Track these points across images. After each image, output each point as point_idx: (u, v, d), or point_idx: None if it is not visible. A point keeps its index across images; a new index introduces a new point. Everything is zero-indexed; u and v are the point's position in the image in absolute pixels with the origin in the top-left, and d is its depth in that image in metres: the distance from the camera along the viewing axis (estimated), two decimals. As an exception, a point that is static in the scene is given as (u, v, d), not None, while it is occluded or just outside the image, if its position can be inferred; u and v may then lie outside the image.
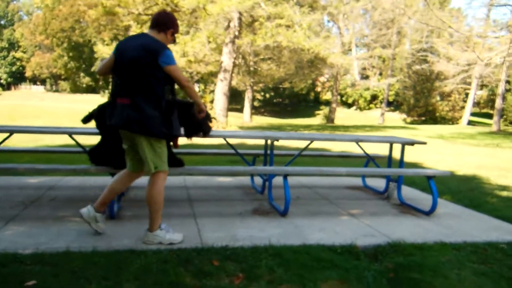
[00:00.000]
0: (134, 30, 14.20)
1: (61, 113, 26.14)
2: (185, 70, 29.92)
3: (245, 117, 30.72)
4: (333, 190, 5.67)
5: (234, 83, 27.74)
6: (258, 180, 5.72)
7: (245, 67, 21.45)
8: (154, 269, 2.83)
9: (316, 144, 10.45)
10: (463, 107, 36.15)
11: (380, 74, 43.96)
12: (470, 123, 34.54)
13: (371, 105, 47.33)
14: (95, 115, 3.71)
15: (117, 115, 3.10)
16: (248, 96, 30.51)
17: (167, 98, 3.19)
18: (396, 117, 42.89)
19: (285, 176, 4.21)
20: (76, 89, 53.55)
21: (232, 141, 10.21)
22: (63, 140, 9.41)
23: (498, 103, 25.56)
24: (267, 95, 44.24)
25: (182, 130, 3.61)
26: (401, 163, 5.05)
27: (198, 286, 2.64)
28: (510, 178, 7.34)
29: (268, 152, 4.79)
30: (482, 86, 41.43)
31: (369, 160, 5.69)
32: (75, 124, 20.04)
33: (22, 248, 3.04)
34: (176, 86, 3.31)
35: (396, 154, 5.26)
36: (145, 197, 3.29)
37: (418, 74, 35.90)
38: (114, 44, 16.52)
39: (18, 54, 60.26)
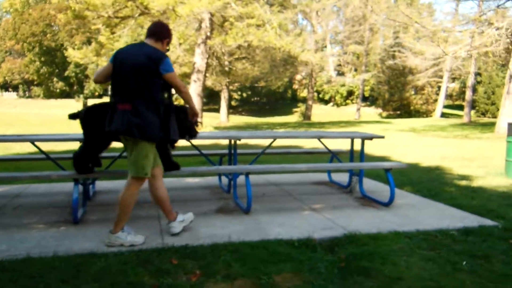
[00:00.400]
0: (103, 34, 14.11)
1: (34, 120, 25.76)
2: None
3: (222, 117, 30.76)
4: (299, 186, 5.82)
5: (209, 83, 27.77)
6: (226, 180, 5.82)
7: (219, 67, 21.48)
8: (113, 270, 2.90)
9: (291, 142, 10.63)
10: (436, 100, 36.95)
11: (355, 70, 44.54)
12: (443, 115, 35.33)
13: (348, 101, 47.95)
14: (82, 115, 3.74)
15: (117, 121, 3.21)
16: (224, 96, 30.55)
17: (165, 103, 3.35)
18: (372, 112, 43.56)
19: (247, 175, 4.33)
20: (50, 94, 52.59)
21: (207, 142, 10.31)
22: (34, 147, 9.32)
23: (468, 95, 26.26)
24: (244, 94, 44.36)
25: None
26: (361, 157, 5.22)
27: (156, 285, 2.72)
28: (471, 167, 7.63)
29: (232, 151, 4.89)
30: (454, 79, 42.45)
31: (333, 155, 5.85)
32: (50, 130, 19.74)
33: (-18, 256, 3.07)
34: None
35: (366, 149, 5.41)
36: (118, 198, 3.40)
37: (391, 69, 36.51)
38: (85, 48, 16.38)
39: (-12, 61, 58.83)
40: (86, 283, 2.71)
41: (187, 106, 3.64)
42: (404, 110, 39.60)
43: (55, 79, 50.62)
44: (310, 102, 33.85)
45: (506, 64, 16.29)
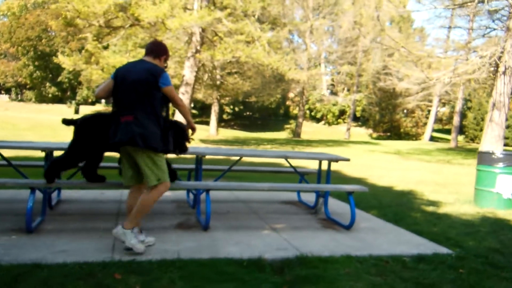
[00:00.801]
0: (91, 43, 14.18)
1: (22, 124, 25.60)
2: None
3: (211, 130, 30.78)
4: (266, 204, 5.83)
5: (200, 96, 27.87)
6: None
7: (210, 80, 21.59)
8: (52, 282, 2.88)
9: (273, 160, 10.64)
10: (426, 124, 37.32)
11: (348, 90, 44.96)
12: (432, 139, 35.66)
13: (340, 120, 48.25)
14: (79, 124, 3.79)
15: (121, 132, 3.37)
16: (214, 109, 30.63)
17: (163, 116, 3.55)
18: (362, 132, 43.88)
19: (207, 191, 4.33)
20: (42, 99, 52.40)
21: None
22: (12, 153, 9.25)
23: (456, 120, 26.57)
24: (236, 109, 44.45)
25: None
26: (327, 179, 5.25)
27: (92, 299, 2.71)
28: (443, 193, 7.69)
29: (198, 167, 4.90)
30: (444, 104, 42.97)
31: (303, 175, 5.88)
32: (37, 135, 19.62)
33: None
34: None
35: (344, 170, 5.44)
36: (141, 198, 3.54)
37: (383, 91, 36.91)
38: (75, 55, 16.42)
39: (-18, 62, 58.67)
40: (21, 295, 2.69)
41: (178, 122, 3.79)
42: (394, 132, 39.97)
43: (47, 84, 50.55)
44: (300, 120, 34.03)
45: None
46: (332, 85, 48.08)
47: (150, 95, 3.40)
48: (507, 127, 28.49)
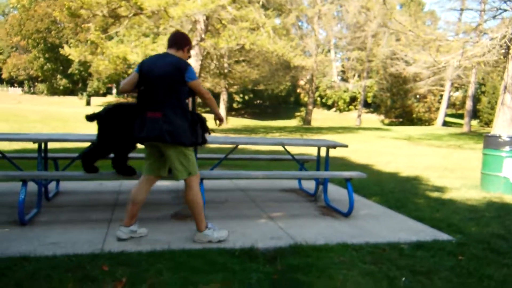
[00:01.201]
0: (93, 33, 14.13)
1: (33, 116, 25.84)
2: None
3: (221, 119, 30.70)
4: (266, 193, 5.76)
5: (208, 85, 27.77)
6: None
7: (217, 69, 21.47)
8: (39, 275, 2.85)
9: (277, 148, 10.55)
10: (438, 109, 36.76)
11: (359, 76, 44.42)
12: (445, 124, 35.16)
13: (351, 107, 47.82)
14: (102, 116, 3.83)
15: (148, 128, 3.37)
16: (223, 98, 30.54)
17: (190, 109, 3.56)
18: (374, 119, 43.43)
19: (201, 180, 4.26)
20: (53, 91, 52.87)
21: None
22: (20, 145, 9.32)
23: (469, 104, 26.11)
24: (246, 97, 44.27)
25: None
26: (326, 166, 5.14)
27: (76, 292, 2.68)
28: (450, 178, 7.54)
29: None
30: (457, 88, 42.25)
31: (303, 163, 5.79)
32: (46, 127, 19.78)
33: None
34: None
35: (351, 156, 5.33)
36: (185, 201, 3.62)
37: (394, 76, 36.36)
38: (81, 46, 16.42)
39: (-6, 56, 59.31)
40: (6, 288, 2.67)
41: (200, 114, 3.77)
42: (407, 117, 39.48)
43: (58, 76, 50.92)
44: (310, 107, 33.78)
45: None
46: (343, 71, 47.54)
47: (177, 89, 3.39)
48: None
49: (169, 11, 12.75)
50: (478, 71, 24.01)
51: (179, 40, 3.57)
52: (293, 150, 10.29)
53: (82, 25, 15.66)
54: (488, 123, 33.12)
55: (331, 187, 6.11)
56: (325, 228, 4.18)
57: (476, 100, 36.65)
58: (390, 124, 38.81)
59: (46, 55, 47.74)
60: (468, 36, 14.39)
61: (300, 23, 34.78)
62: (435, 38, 12.74)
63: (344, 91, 45.65)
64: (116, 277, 2.89)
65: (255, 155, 5.80)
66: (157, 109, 3.36)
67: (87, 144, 4.66)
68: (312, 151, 9.25)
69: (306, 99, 49.78)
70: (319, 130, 23.70)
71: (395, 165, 9.02)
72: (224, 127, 25.59)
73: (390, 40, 25.81)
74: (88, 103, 47.95)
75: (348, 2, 24.27)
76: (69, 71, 47.05)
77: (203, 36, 15.59)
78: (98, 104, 48.69)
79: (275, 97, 50.22)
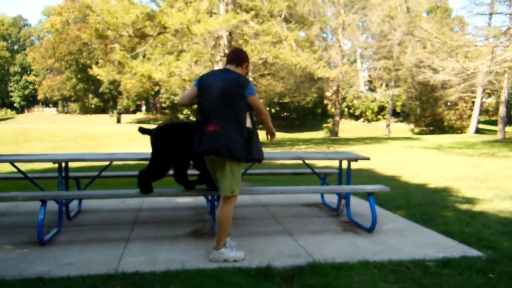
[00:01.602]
0: (119, 53, 14.47)
1: (65, 135, 26.60)
2: (181, 88, 30.16)
3: (247, 133, 30.75)
4: (287, 208, 5.64)
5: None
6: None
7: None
8: (53, 297, 2.85)
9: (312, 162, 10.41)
10: (470, 116, 35.67)
11: (386, 85, 43.77)
12: (478, 131, 34.05)
13: (379, 117, 47.11)
14: (154, 134, 3.91)
15: (206, 142, 3.41)
16: (249, 112, 30.56)
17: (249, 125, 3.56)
18: (404, 128, 42.56)
19: (218, 198, 4.21)
20: (86, 110, 54.47)
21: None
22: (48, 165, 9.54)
23: (502, 110, 25.19)
24: (273, 110, 44.26)
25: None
26: (348, 179, 5.00)
27: (87, 314, 2.65)
28: (481, 189, 7.21)
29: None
30: (490, 94, 40.96)
31: (325, 176, 5.66)
32: (78, 146, 20.25)
33: None
34: None
35: (377, 168, 5.18)
36: (216, 216, 3.58)
37: (422, 84, 35.56)
38: (108, 66, 16.82)
39: (31, 78, 61.81)
40: (18, 311, 2.66)
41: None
42: (437, 126, 38.47)
43: (90, 95, 52.45)
44: (337, 118, 33.41)
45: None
46: (370, 81, 46.96)
47: (236, 104, 3.43)
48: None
49: (191, 28, 12.93)
50: (511, 76, 23.17)
51: (238, 57, 3.67)
52: (319, 163, 10.16)
53: (109, 46, 16.01)
54: (525, 129, 31.91)
55: (355, 201, 5.93)
56: (346, 245, 4.03)
57: (511, 105, 35.41)
58: (420, 133, 37.89)
59: (78, 76, 49.31)
60: (498, 40, 13.92)
61: (324, 35, 34.72)
62: (462, 44, 12.37)
63: (372, 101, 45.03)
64: (129, 299, 2.85)
65: (277, 170, 5.71)
66: (216, 123, 3.40)
67: (106, 163, 4.71)
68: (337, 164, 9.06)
69: (333, 110, 49.45)
70: (346, 141, 23.35)
71: (423, 176, 8.72)
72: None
73: (416, 48, 25.31)
74: (118, 121, 49.10)
75: (371, 11, 24.04)
76: (100, 90, 48.37)
77: (226, 51, 15.70)
78: (128, 121, 49.85)
79: (302, 109, 50.06)
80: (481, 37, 22.26)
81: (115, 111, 51.10)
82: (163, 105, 53.63)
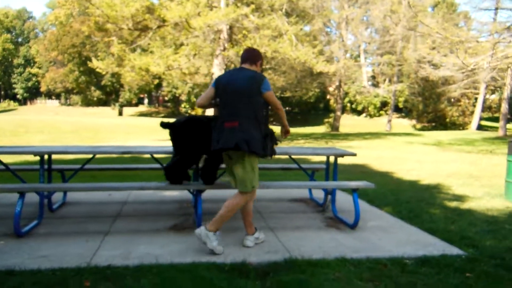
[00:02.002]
0: (116, 45, 14.41)
1: (66, 127, 26.66)
2: (182, 81, 30.07)
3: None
4: (274, 203, 5.60)
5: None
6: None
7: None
8: (19, 290, 2.82)
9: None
10: (473, 112, 35.46)
11: (389, 80, 43.51)
12: (480, 127, 33.88)
13: (381, 112, 46.89)
14: (176, 127, 4.02)
15: (225, 138, 3.50)
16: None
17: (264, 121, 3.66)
18: (406, 124, 42.35)
19: (199, 192, 4.18)
20: (88, 102, 54.55)
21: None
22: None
23: (504, 107, 25.03)
24: (275, 104, 44.03)
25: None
26: (334, 175, 4.94)
27: (52, 308, 2.62)
28: (474, 186, 7.14)
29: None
30: (493, 91, 40.66)
31: (313, 172, 5.62)
32: (78, 138, 20.28)
33: None
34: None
35: (372, 164, 5.12)
36: (225, 204, 3.63)
37: (425, 80, 35.34)
38: (108, 59, 16.78)
39: (34, 70, 61.92)
40: (-17, 304, 2.64)
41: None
42: (440, 122, 38.28)
43: (92, 88, 52.48)
44: (338, 113, 33.28)
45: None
46: (373, 76, 46.71)
47: (253, 101, 3.52)
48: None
49: (190, 22, 12.83)
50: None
51: (252, 56, 3.77)
52: (313, 158, 10.10)
53: (106, 39, 15.95)
54: (527, 126, 31.68)
55: (343, 197, 5.88)
56: (327, 241, 3.99)
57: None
58: (422, 129, 37.75)
59: (81, 68, 49.34)
60: (501, 36, 13.76)
61: (328, 29, 34.49)
62: (463, 39, 12.23)
63: (375, 96, 44.79)
64: (97, 293, 2.82)
65: (269, 165, 5.64)
66: (234, 119, 3.49)
67: (89, 156, 4.68)
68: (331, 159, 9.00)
69: (335, 105, 49.24)
70: (346, 136, 23.27)
71: (417, 173, 8.65)
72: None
73: (417, 43, 25.09)
74: (120, 113, 49.18)
75: (374, 5, 23.79)
76: (102, 83, 48.42)
77: (226, 45, 15.63)
78: (130, 114, 49.89)
79: (304, 104, 49.87)
80: (486, 33, 22.05)
81: (117, 104, 51.15)
82: (165, 98, 53.65)
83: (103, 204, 5.36)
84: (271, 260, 3.45)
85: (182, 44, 16.18)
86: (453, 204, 5.73)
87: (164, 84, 44.39)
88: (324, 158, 5.45)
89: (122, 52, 14.26)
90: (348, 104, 47.37)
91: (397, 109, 44.10)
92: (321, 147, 8.67)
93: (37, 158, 4.44)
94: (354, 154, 4.83)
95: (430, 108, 38.02)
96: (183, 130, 4.00)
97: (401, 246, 3.90)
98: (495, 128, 34.02)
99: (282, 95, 37.09)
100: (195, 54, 14.47)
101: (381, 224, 4.64)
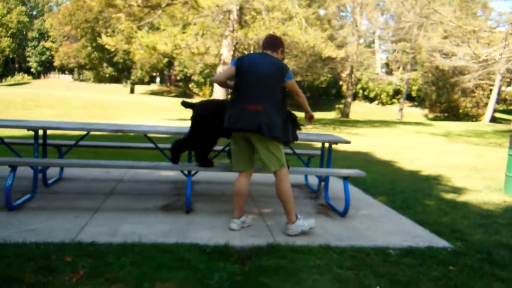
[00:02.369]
0: (123, 22, 14.36)
1: (76, 103, 26.81)
2: (193, 61, 29.94)
3: (258, 110, 30.62)
4: (268, 187, 5.58)
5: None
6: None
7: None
8: (2, 263, 2.86)
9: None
10: (487, 104, 34.88)
11: (404, 68, 42.89)
12: (494, 120, 33.36)
13: (394, 100, 46.29)
14: (198, 109, 4.08)
15: (246, 120, 3.53)
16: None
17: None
18: (418, 113, 41.86)
19: (189, 173, 4.19)
20: (100, 79, 54.73)
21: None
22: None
23: (518, 100, 24.50)
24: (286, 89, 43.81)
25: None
26: (328, 162, 4.91)
27: (31, 282, 2.65)
28: (475, 179, 7.06)
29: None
30: (509, 83, 39.86)
31: (309, 158, 5.59)
32: (87, 114, 20.41)
33: None
34: None
35: (376, 152, 5.08)
36: (276, 194, 3.77)
37: (440, 69, 34.74)
38: (118, 36, 16.75)
39: (48, 44, 62.10)
40: (-36, 274, 2.69)
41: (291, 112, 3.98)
42: (452, 112, 37.74)
43: (105, 64, 52.55)
44: (349, 100, 33.04)
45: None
46: (387, 64, 46.08)
47: (276, 87, 3.59)
48: None
49: (199, 1, 12.71)
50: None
51: (274, 42, 3.82)
52: (317, 144, 10.05)
53: (114, 16, 15.90)
54: (542, 120, 31.07)
55: (339, 184, 5.82)
56: (314, 228, 3.98)
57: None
58: (434, 119, 37.28)
59: (93, 44, 49.26)
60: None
61: (343, 14, 33.98)
62: (477, 29, 11.94)
63: (388, 84, 44.22)
64: (75, 268, 2.85)
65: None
66: (258, 103, 3.53)
67: (83, 133, 4.70)
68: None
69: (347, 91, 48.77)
70: (355, 123, 23.11)
71: (420, 163, 8.57)
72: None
73: (429, 32, 24.58)
74: (132, 91, 49.27)
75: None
76: (115, 59, 48.35)
77: (235, 26, 15.48)
78: (141, 92, 50.00)
79: (316, 89, 49.45)
80: (504, 23, 21.51)
81: (128, 82, 51.24)
82: (177, 77, 53.59)
83: (99, 181, 5.41)
84: (254, 244, 3.46)
85: (189, 24, 16.06)
86: (450, 196, 5.68)
87: (176, 63, 44.33)
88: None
89: (129, 29, 14.21)
90: (361, 91, 46.85)
91: (410, 98, 43.55)
92: (316, 133, 8.61)
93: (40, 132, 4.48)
94: (348, 142, 4.79)
95: (443, 98, 37.46)
96: (202, 112, 4.04)
97: (388, 236, 3.89)
98: (509, 121, 33.48)
99: (295, 80, 36.75)
100: (203, 34, 14.36)
101: (372, 213, 4.62)
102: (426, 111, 41.05)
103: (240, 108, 3.57)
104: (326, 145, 4.98)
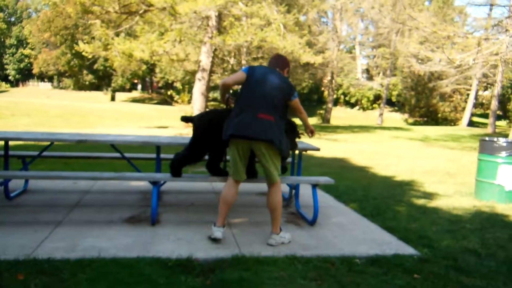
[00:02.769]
0: (99, 28, 14.19)
1: (53, 111, 26.38)
2: (171, 68, 29.77)
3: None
4: (241, 196, 5.45)
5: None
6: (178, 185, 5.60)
7: (236, 66, 21.34)
8: (-51, 282, 2.74)
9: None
10: (464, 108, 35.47)
11: (384, 74, 43.40)
12: (472, 124, 33.91)
13: (375, 105, 46.76)
14: (196, 122, 4.03)
15: (259, 129, 3.54)
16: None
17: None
18: (398, 118, 42.35)
19: (154, 183, 4.10)
20: (80, 86, 54.02)
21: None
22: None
23: (494, 104, 25.05)
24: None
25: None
26: (298, 170, 4.88)
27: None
28: (447, 184, 7.12)
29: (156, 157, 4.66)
30: (486, 87, 40.65)
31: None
32: (64, 122, 20.00)
33: None
34: None
35: (352, 158, 5.05)
36: (267, 205, 3.81)
37: (418, 74, 35.24)
38: (95, 43, 16.53)
39: (26, 51, 61.07)
40: None
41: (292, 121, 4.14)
42: (431, 117, 38.28)
43: (85, 71, 51.89)
44: (330, 105, 33.23)
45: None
46: (367, 69, 46.59)
47: (283, 102, 3.69)
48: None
49: (176, 8, 12.63)
50: (506, 70, 22.94)
51: (281, 62, 3.94)
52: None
53: (89, 22, 15.70)
54: (517, 124, 31.75)
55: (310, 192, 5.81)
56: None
57: (507, 100, 35.18)
58: (414, 123, 37.75)
59: (73, 51, 48.59)
60: (489, 32, 13.68)
61: (324, 20, 34.23)
62: (451, 34, 12.11)
63: (369, 89, 44.69)
64: (29, 287, 2.74)
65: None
66: (270, 114, 3.59)
67: (46, 144, 4.57)
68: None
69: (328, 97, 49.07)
70: (335, 129, 23.24)
71: (394, 168, 8.62)
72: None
73: (406, 37, 24.93)
74: (113, 99, 48.73)
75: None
76: (95, 67, 47.83)
77: (214, 32, 15.44)
78: (122, 99, 49.49)
79: (298, 95, 49.63)
80: (480, 29, 21.94)
81: (109, 89, 50.69)
82: (158, 84, 53.25)
83: (65, 193, 5.27)
84: (218, 256, 3.39)
85: (166, 31, 15.93)
86: (421, 201, 5.70)
87: (157, 70, 44.03)
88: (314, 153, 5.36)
89: (105, 36, 14.03)
90: (342, 97, 47.26)
91: (390, 103, 44.09)
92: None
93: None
94: (318, 149, 4.77)
95: (422, 103, 37.99)
96: (203, 121, 4.00)
97: (355, 244, 3.86)
98: (486, 125, 34.11)
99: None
100: (180, 41, 14.27)
101: (342, 221, 4.59)
102: (406, 116, 41.55)
103: (251, 116, 3.57)
104: (297, 152, 4.93)
